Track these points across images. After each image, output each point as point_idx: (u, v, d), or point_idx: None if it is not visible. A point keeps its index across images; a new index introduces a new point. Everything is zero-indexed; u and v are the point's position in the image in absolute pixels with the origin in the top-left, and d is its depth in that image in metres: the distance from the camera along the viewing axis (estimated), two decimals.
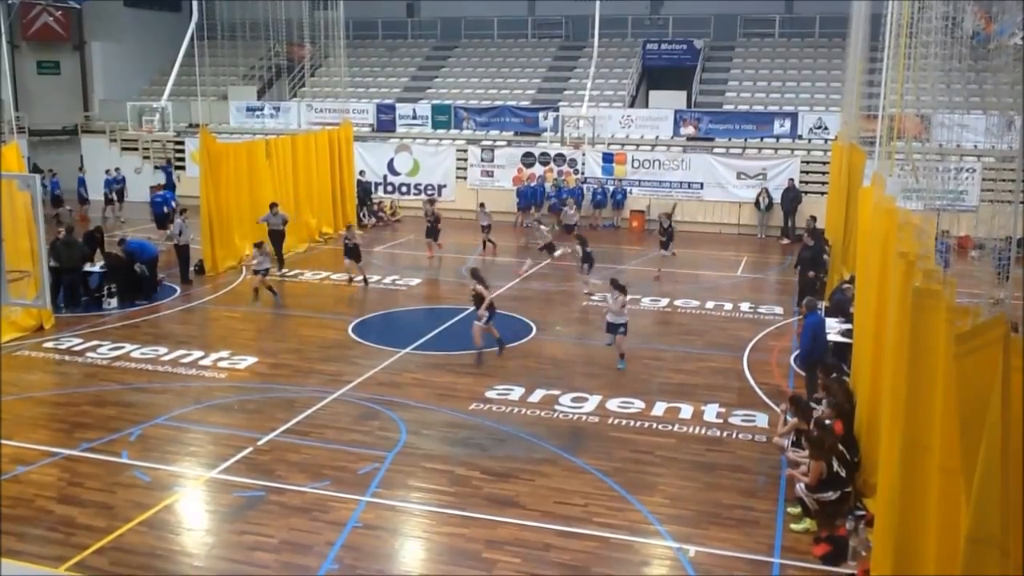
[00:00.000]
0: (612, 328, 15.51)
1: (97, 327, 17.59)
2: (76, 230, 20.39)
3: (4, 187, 10.62)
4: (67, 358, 15.74)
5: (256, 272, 19.45)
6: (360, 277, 21.46)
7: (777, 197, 28.54)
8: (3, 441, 12.02)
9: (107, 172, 31.38)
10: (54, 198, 30.08)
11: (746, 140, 30.54)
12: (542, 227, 23.87)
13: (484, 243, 25.49)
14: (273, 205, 22.75)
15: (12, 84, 34.38)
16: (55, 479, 11.07)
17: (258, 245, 19.73)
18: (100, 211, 30.11)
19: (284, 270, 22.60)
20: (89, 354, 15.93)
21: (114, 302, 19.04)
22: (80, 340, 16.65)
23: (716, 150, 30.29)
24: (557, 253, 22.41)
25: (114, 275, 19.28)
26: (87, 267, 19.51)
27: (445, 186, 32.39)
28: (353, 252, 21.26)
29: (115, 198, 30.70)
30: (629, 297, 16.19)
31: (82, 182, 31.77)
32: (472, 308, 15.99)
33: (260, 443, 12.03)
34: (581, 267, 20.78)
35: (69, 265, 18.87)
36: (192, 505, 10.64)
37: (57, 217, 25.53)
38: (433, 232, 24.65)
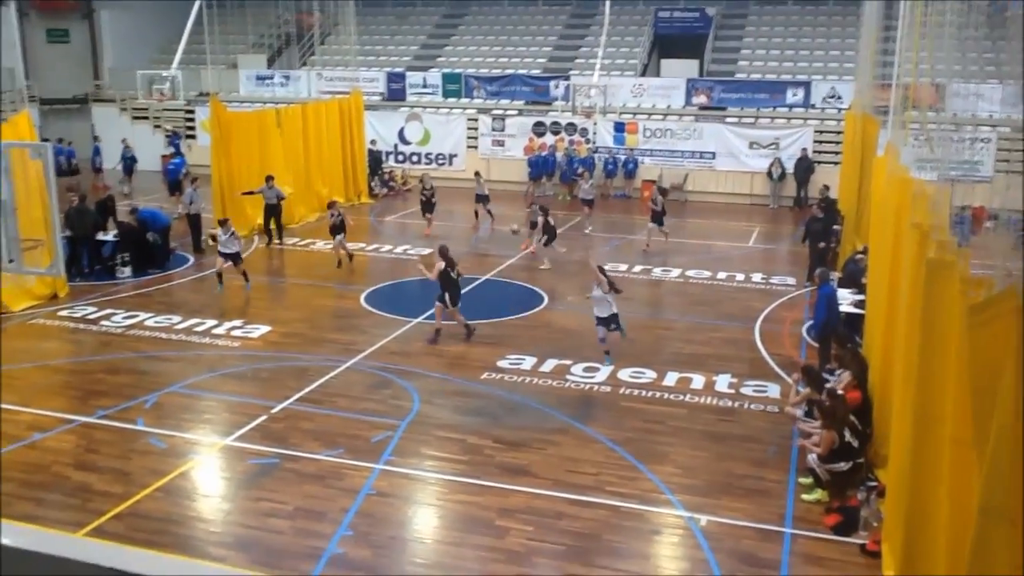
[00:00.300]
0: (604, 322, 13.97)
1: (111, 296, 17.69)
2: (89, 199, 20.46)
3: (16, 156, 10.62)
4: (82, 326, 15.85)
5: (222, 255, 17.83)
6: (347, 253, 20.25)
7: (790, 167, 28.39)
8: (21, 408, 12.17)
9: (124, 145, 31.11)
10: (68, 167, 30.12)
11: (759, 109, 30.33)
12: (519, 229, 21.71)
13: (476, 213, 24.85)
14: (269, 178, 22.13)
15: (22, 53, 34.39)
16: (72, 446, 11.21)
17: (222, 222, 18.21)
18: (114, 181, 30.13)
19: (282, 241, 22.43)
20: (103, 322, 16.04)
21: (127, 271, 19.14)
22: (94, 308, 16.75)
23: (728, 119, 30.10)
24: (514, 227, 21.56)
25: (127, 244, 19.36)
26: (100, 236, 19.59)
27: (456, 155, 32.30)
28: (338, 228, 20.02)
29: (128, 168, 30.58)
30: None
31: (97, 151, 31.76)
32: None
33: (274, 411, 12.13)
34: (540, 239, 20.04)
35: (82, 233, 18.95)
36: (207, 472, 10.76)
37: (76, 186, 25.68)
38: (429, 206, 23.89)
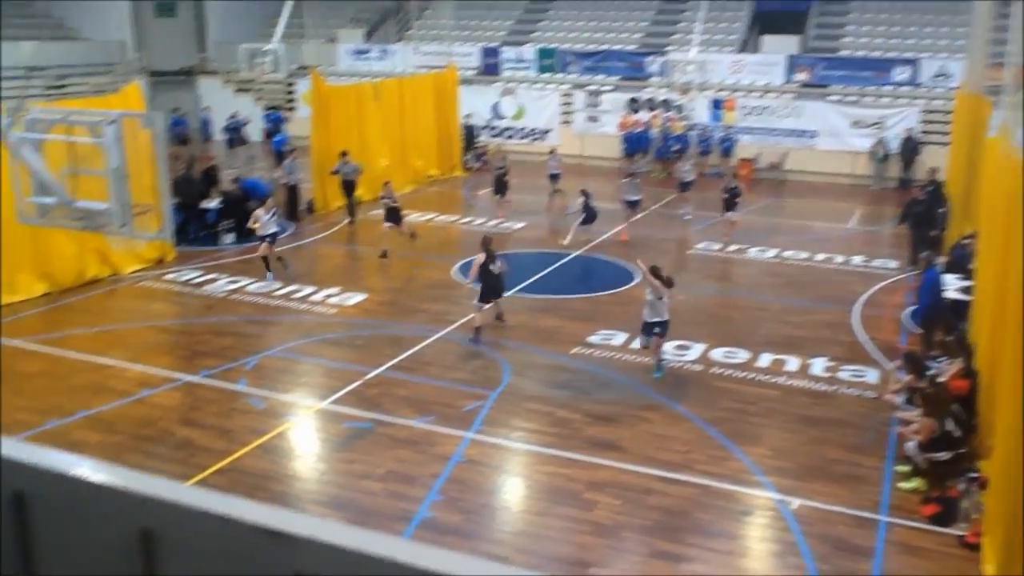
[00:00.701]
0: (647, 328, 12.71)
1: (214, 261, 18.28)
2: (195, 167, 21.15)
3: (128, 125, 11.02)
4: (187, 290, 16.44)
5: (263, 239, 16.90)
6: (410, 233, 19.07)
7: (895, 148, 27.44)
8: (131, 365, 12.74)
9: (231, 116, 31.91)
10: (179, 136, 31.11)
11: (863, 87, 29.34)
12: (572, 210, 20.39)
13: (552, 193, 23.57)
14: (344, 153, 21.61)
15: (132, 27, 35.62)
16: (178, 403, 11.67)
17: (262, 202, 17.47)
18: (220, 151, 31.04)
19: (354, 219, 21.75)
20: (207, 287, 16.61)
21: (230, 238, 19.74)
22: (199, 273, 17.35)
23: (830, 97, 29.22)
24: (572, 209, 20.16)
25: (230, 212, 19.95)
26: (204, 203, 20.24)
27: (549, 131, 32.21)
28: (392, 214, 18.80)
29: (237, 140, 31.23)
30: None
31: (206, 121, 32.73)
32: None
33: (368, 377, 12.39)
34: (579, 220, 19.55)
35: (188, 201, 19.61)
36: (304, 432, 11.08)
37: (185, 154, 26.65)
38: (502, 187, 22.42)
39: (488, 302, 14.02)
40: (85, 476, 1.98)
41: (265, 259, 16.99)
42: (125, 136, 11.61)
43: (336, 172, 21.80)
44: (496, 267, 13.93)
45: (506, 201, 22.62)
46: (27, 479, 2.06)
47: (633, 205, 21.04)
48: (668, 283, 12.63)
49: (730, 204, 20.00)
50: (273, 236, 17.08)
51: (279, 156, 27.39)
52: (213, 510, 1.84)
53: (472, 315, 14.12)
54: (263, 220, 16.74)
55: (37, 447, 2.12)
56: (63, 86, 31.43)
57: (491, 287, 13.96)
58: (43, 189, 9.61)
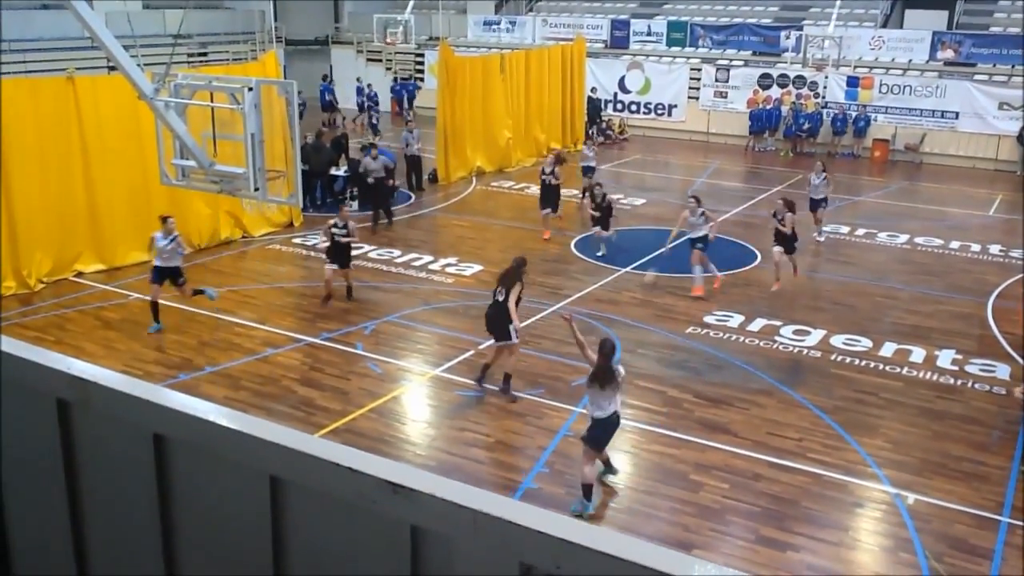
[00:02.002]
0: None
1: None
2: (324, 136, 21.78)
3: (264, 92, 11.44)
4: (312, 254, 17.01)
5: (157, 274, 12.93)
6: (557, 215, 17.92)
7: None
8: (257, 325, 13.32)
9: (359, 83, 32.50)
10: (326, 104, 32.04)
11: (1013, 67, 27.64)
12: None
13: (584, 191, 19.06)
14: (370, 147, 19.57)
15: None
16: (299, 363, 12.15)
17: (162, 220, 12.93)
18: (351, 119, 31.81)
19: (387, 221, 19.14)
20: None
21: (355, 205, 20.29)
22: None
23: (977, 77, 27.67)
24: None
25: (356, 180, 20.49)
26: (333, 171, 20.84)
27: (676, 106, 31.69)
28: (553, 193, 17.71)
29: (369, 109, 31.72)
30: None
31: (328, 90, 33.51)
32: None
33: (481, 347, 12.58)
34: (594, 224, 17.07)
35: (317, 169, 20.23)
36: (417, 398, 11.37)
37: (332, 121, 27.77)
38: (550, 195, 18.43)
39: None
40: (221, 422, 2.14)
41: (155, 304, 13.00)
42: (261, 103, 12.06)
43: (356, 173, 19.73)
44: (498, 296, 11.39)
45: (556, 216, 18.69)
46: (166, 422, 2.23)
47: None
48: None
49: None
50: (174, 272, 12.94)
51: (373, 127, 28.43)
52: (340, 461, 1.96)
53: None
54: (159, 246, 12.73)
55: (176, 393, 2.29)
56: (205, 53, 32.81)
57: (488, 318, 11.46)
58: (184, 153, 10.13)
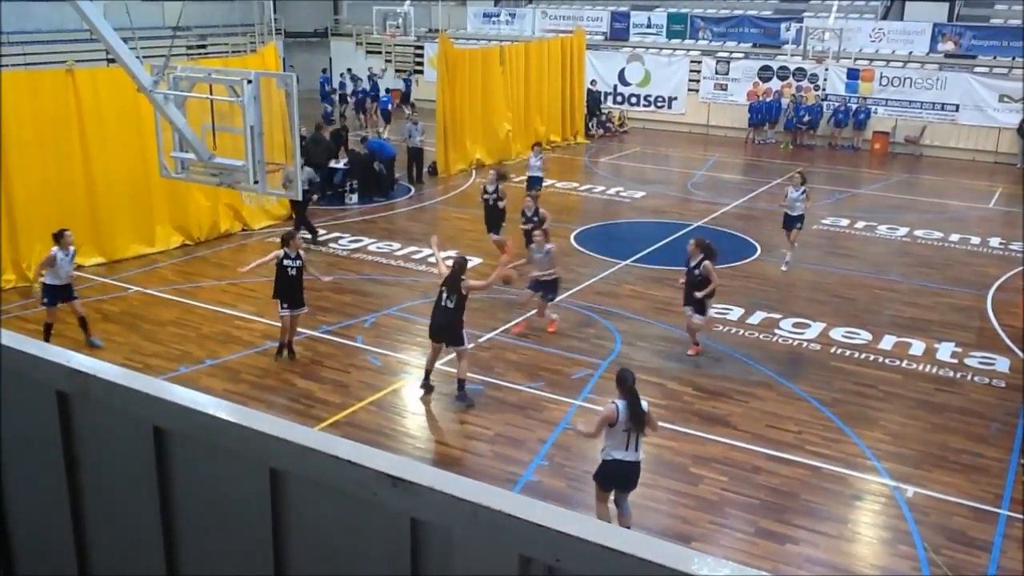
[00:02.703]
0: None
1: (339, 220, 18.84)
2: (323, 129, 21.75)
3: (263, 84, 11.42)
4: (311, 247, 16.97)
5: (48, 294, 11.81)
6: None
7: None
8: (256, 318, 13.32)
9: (342, 77, 32.32)
10: (326, 96, 32.05)
11: (1013, 59, 27.60)
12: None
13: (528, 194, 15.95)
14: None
15: None
16: (298, 356, 12.14)
17: (57, 236, 11.76)
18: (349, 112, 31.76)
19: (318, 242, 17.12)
20: (331, 244, 17.15)
21: (355, 198, 20.29)
22: (323, 231, 17.89)
23: (978, 69, 27.64)
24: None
25: (356, 172, 20.48)
26: (332, 163, 20.83)
27: (675, 98, 31.63)
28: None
29: (357, 104, 31.23)
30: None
31: (327, 81, 33.43)
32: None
33: (481, 340, 12.59)
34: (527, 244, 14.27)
35: (316, 161, 20.19)
36: (417, 392, 11.35)
37: (342, 113, 28.13)
38: (493, 218, 15.90)
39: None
40: (221, 415, 2.15)
41: (48, 327, 11.76)
42: (260, 96, 12.02)
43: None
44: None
45: (500, 241, 15.85)
46: (166, 415, 2.24)
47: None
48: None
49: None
50: (69, 289, 11.82)
51: (386, 114, 28.51)
52: (339, 454, 1.97)
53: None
54: (58, 262, 11.60)
55: (176, 386, 2.29)
56: (204, 46, 32.75)
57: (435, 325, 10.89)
58: (184, 145, 10.11)
